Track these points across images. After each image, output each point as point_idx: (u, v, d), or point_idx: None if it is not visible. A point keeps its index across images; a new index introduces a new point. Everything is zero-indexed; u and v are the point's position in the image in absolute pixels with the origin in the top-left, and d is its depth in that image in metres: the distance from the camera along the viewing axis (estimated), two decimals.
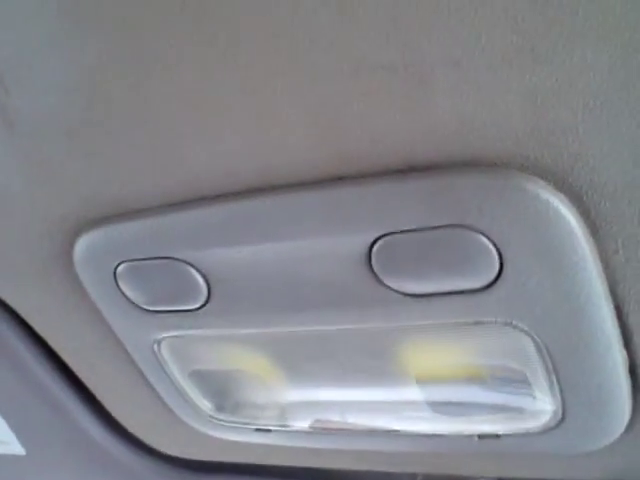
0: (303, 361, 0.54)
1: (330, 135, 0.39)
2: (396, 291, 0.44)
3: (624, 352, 0.45)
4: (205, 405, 0.62)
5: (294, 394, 0.57)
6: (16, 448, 0.78)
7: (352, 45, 0.34)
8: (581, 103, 0.34)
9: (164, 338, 0.56)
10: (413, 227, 0.41)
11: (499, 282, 0.41)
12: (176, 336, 0.55)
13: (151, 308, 0.53)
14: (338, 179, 0.41)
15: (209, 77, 0.38)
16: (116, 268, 0.51)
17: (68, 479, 0.78)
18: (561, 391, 0.47)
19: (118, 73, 0.39)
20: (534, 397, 0.49)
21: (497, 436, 0.53)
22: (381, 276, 0.44)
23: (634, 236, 0.39)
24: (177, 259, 0.49)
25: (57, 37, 0.38)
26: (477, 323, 0.45)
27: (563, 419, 0.49)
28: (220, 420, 0.63)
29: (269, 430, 0.61)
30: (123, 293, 0.53)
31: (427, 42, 0.33)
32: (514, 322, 0.44)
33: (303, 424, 0.60)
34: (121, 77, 0.39)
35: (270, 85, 0.37)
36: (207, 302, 0.50)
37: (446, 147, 0.38)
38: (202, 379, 0.60)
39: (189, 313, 0.52)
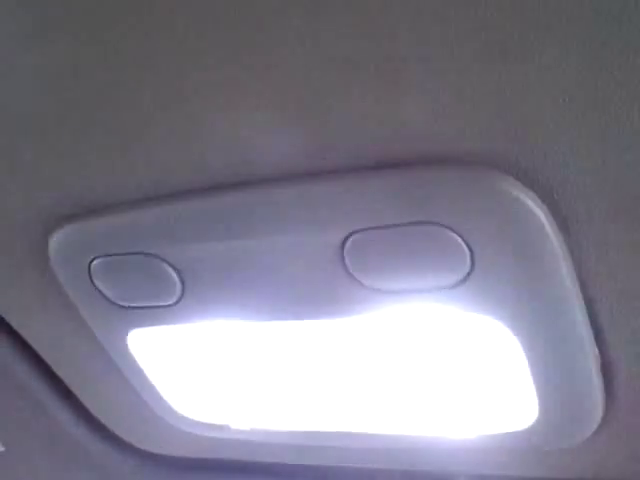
0: (278, 357, 0.54)
1: (302, 132, 0.39)
2: (368, 287, 0.44)
3: (596, 349, 0.45)
4: (180, 402, 0.62)
5: (270, 390, 0.57)
6: None
7: (322, 42, 0.34)
8: (550, 100, 0.34)
9: (138, 333, 0.55)
10: (385, 223, 0.41)
11: (470, 279, 0.41)
12: (150, 331, 0.55)
13: (125, 304, 0.53)
14: (311, 175, 0.41)
15: (181, 74, 0.37)
16: (90, 263, 0.51)
17: (47, 475, 0.77)
18: (536, 388, 0.48)
19: (88, 71, 0.38)
20: (509, 394, 0.49)
21: (474, 433, 0.53)
22: (353, 272, 0.43)
23: (604, 233, 0.39)
24: (151, 254, 0.48)
25: (27, 37, 0.37)
26: (449, 320, 0.45)
27: (538, 417, 0.50)
28: (195, 417, 0.63)
29: (246, 427, 0.61)
30: (97, 289, 0.52)
31: (398, 39, 0.33)
32: (485, 319, 0.44)
33: (279, 421, 0.60)
34: (92, 75, 0.38)
35: (241, 82, 0.37)
36: (181, 298, 0.50)
37: (417, 144, 0.38)
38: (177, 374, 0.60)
39: (163, 309, 0.52)
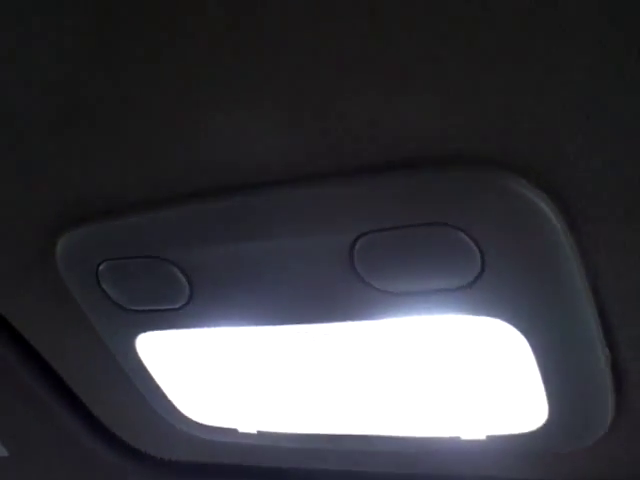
0: (288, 361, 0.53)
1: (310, 133, 0.39)
2: (378, 289, 0.44)
3: (606, 350, 0.45)
4: (188, 406, 0.62)
5: (278, 395, 0.57)
6: None
7: (332, 41, 0.34)
8: (560, 102, 0.34)
9: (146, 337, 0.55)
10: (395, 225, 0.41)
11: (481, 280, 0.41)
12: (158, 335, 0.55)
13: (133, 307, 0.53)
14: (319, 177, 0.41)
15: (189, 77, 0.37)
16: (98, 267, 0.51)
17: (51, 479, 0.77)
18: (546, 390, 0.47)
19: (99, 73, 0.38)
20: (519, 397, 0.49)
21: (482, 436, 0.53)
22: (363, 274, 0.43)
23: (614, 233, 0.39)
24: (159, 258, 0.48)
25: (36, 37, 0.37)
26: (460, 321, 0.45)
27: (548, 419, 0.49)
28: (203, 421, 0.62)
29: (253, 431, 0.61)
30: (105, 292, 0.52)
31: (407, 38, 0.33)
32: (496, 320, 0.44)
33: (287, 425, 0.59)
34: (102, 77, 0.38)
35: (249, 84, 0.37)
36: (189, 301, 0.50)
37: (427, 145, 0.38)
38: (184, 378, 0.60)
39: (171, 312, 0.52)
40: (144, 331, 0.55)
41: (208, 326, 0.52)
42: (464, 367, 0.49)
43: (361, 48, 0.34)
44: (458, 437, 0.53)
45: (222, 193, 0.44)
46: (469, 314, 0.44)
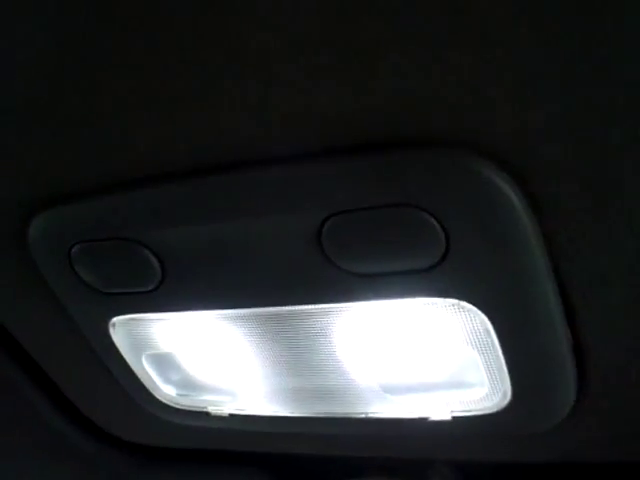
0: (258, 344, 0.54)
1: (278, 114, 0.39)
2: (346, 271, 0.44)
3: (568, 331, 0.46)
4: (161, 390, 0.62)
5: (249, 377, 0.58)
6: None
7: (299, 22, 0.34)
8: (518, 80, 0.34)
9: (119, 321, 0.56)
10: (362, 206, 0.41)
11: (446, 261, 0.42)
12: (131, 319, 0.55)
13: (106, 290, 0.53)
14: (287, 158, 0.41)
15: (159, 58, 0.38)
16: (70, 249, 0.51)
17: (25, 465, 0.77)
18: (509, 372, 0.48)
19: (69, 51, 0.38)
20: (483, 378, 0.50)
21: (449, 418, 0.54)
22: (331, 255, 0.44)
23: (576, 214, 0.40)
24: (131, 240, 0.49)
25: (10, 26, 0.37)
26: (426, 303, 0.46)
27: (512, 400, 0.50)
28: (176, 405, 0.63)
29: (225, 415, 0.61)
30: (78, 275, 0.52)
31: (374, 20, 0.34)
32: (461, 302, 0.44)
33: (258, 409, 0.60)
34: (70, 60, 0.38)
35: (218, 64, 0.37)
36: (161, 283, 0.50)
37: (392, 126, 0.38)
38: (158, 363, 0.60)
39: (144, 295, 0.52)
40: (117, 315, 0.55)
41: (180, 310, 0.53)
42: (429, 349, 0.50)
43: (326, 27, 0.34)
44: (426, 418, 0.54)
45: (191, 175, 0.44)
46: (434, 296, 0.45)
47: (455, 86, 0.35)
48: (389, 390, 0.54)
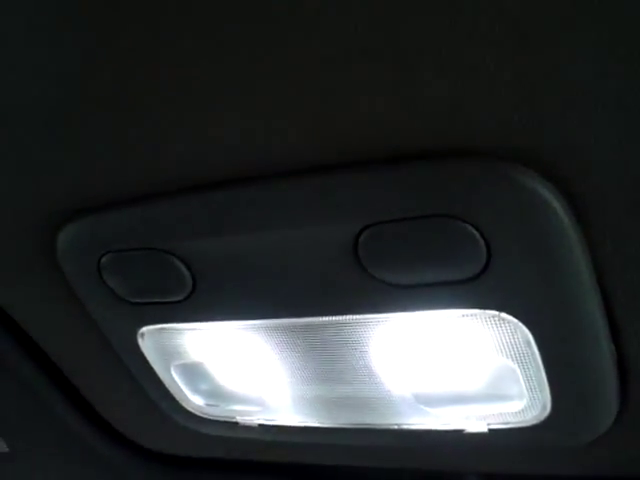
0: (290, 354, 0.53)
1: (316, 124, 0.38)
2: (382, 281, 0.44)
3: (612, 344, 0.45)
4: (189, 399, 0.61)
5: (279, 387, 0.57)
6: None
7: (337, 31, 0.34)
8: (568, 92, 0.34)
9: (148, 331, 0.55)
10: (400, 217, 0.40)
11: (487, 273, 0.41)
12: (161, 329, 0.55)
13: (135, 300, 0.53)
14: (324, 168, 0.41)
15: (192, 68, 0.37)
16: (99, 259, 0.51)
17: (52, 475, 0.77)
18: (550, 384, 0.47)
19: (99, 64, 0.38)
20: (522, 390, 0.49)
21: (485, 431, 0.53)
22: (367, 266, 0.43)
23: (621, 226, 0.39)
24: (161, 250, 0.48)
25: (36, 28, 0.37)
26: (464, 314, 0.45)
27: (551, 413, 0.49)
28: (205, 415, 0.62)
29: (254, 425, 0.61)
30: (107, 285, 0.52)
31: (414, 27, 0.33)
32: (502, 313, 0.43)
33: (289, 419, 0.59)
34: (102, 68, 0.38)
35: (254, 75, 0.37)
36: (192, 293, 0.50)
37: (433, 136, 0.37)
38: (186, 373, 0.59)
39: (174, 305, 0.51)
40: (146, 324, 0.55)
41: (211, 320, 0.52)
42: (468, 361, 0.49)
43: (365, 36, 0.33)
44: (461, 430, 0.53)
45: (224, 184, 0.43)
46: (474, 308, 0.44)
47: (500, 97, 0.34)
48: (424, 401, 0.53)
